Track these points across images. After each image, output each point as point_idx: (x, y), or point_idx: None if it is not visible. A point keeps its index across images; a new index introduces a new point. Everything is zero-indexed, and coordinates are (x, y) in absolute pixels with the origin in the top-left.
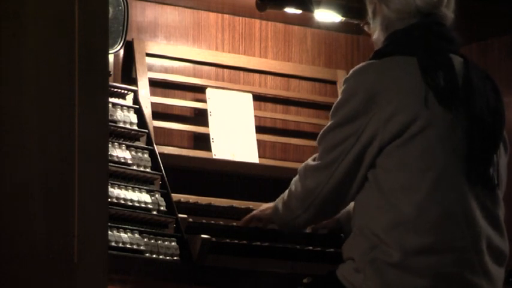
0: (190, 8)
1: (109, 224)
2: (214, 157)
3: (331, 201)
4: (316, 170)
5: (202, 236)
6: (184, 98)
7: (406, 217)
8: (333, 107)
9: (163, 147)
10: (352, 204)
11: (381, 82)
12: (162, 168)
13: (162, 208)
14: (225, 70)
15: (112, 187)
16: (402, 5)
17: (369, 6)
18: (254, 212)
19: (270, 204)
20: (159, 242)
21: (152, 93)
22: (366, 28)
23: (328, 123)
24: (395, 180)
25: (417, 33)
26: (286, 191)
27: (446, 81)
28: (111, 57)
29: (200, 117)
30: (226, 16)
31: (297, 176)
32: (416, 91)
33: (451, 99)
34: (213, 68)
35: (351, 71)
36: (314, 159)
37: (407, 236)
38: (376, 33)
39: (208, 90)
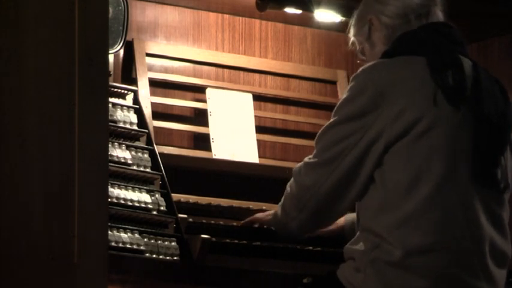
0: (190, 8)
1: (109, 224)
2: (214, 157)
3: (327, 202)
4: (314, 167)
5: (202, 236)
6: (184, 98)
7: (410, 216)
8: (338, 103)
9: (163, 147)
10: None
11: (390, 80)
12: (162, 168)
13: (162, 208)
14: (225, 70)
15: (112, 187)
16: (399, 8)
17: (361, 30)
18: (257, 215)
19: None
20: (159, 242)
21: (152, 93)
22: (360, 55)
23: (330, 121)
24: (401, 178)
25: (426, 34)
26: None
27: (455, 81)
28: (111, 57)
29: (200, 117)
30: (226, 16)
31: (292, 177)
32: (425, 90)
33: (459, 99)
34: (213, 68)
35: (360, 69)
36: (310, 159)
37: (410, 235)
38: (377, 48)
39: (208, 90)
